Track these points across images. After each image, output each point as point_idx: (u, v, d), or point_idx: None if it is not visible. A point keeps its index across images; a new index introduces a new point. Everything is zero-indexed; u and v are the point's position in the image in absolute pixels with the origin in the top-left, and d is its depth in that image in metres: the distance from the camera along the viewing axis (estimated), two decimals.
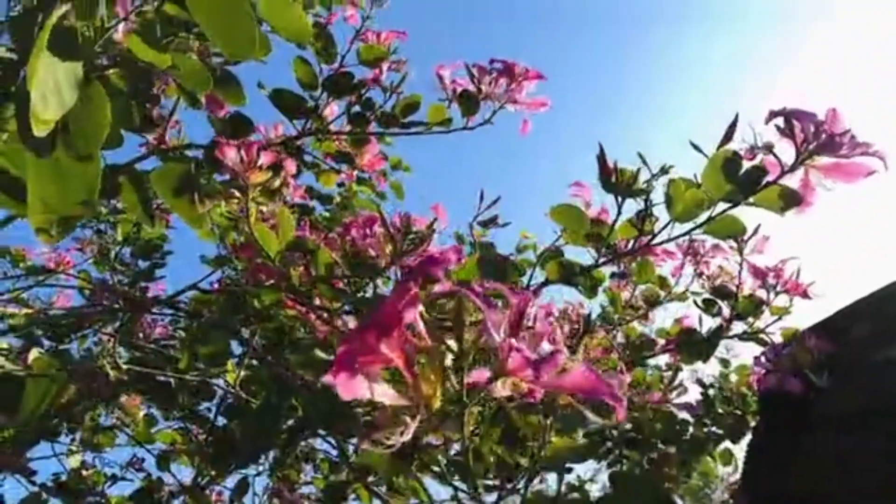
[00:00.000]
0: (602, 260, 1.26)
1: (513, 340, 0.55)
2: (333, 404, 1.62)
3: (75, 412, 1.89)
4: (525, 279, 1.35)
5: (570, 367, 0.56)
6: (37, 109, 0.86)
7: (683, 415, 1.93)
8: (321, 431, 1.76)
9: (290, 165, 1.67)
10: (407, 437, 0.56)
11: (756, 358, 1.70)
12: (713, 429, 1.99)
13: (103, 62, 1.25)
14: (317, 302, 1.32)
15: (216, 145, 1.36)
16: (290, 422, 1.57)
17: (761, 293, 1.51)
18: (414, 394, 0.57)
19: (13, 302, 1.65)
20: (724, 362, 2.12)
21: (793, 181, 1.07)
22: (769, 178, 1.06)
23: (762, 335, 1.54)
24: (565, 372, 0.56)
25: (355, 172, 1.72)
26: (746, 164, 1.08)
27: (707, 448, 1.96)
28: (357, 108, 1.51)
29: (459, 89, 1.53)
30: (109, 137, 1.34)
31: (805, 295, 1.46)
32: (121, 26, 1.19)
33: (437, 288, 0.62)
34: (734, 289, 1.52)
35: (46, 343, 1.76)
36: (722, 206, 1.13)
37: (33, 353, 1.57)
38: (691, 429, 2.00)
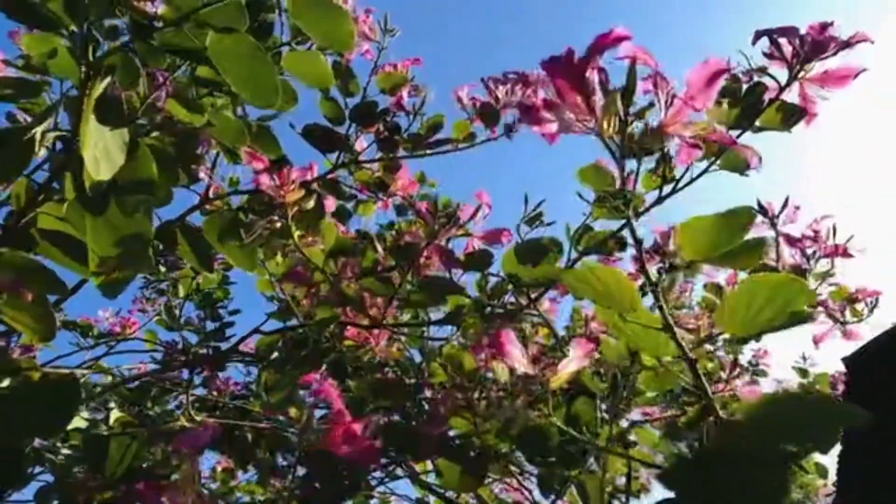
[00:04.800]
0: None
1: None
2: (408, 431, 1.64)
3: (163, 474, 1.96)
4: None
5: None
6: (90, 171, 0.95)
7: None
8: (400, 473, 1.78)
9: (331, 202, 1.75)
10: None
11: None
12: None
13: (147, 126, 1.37)
14: (367, 304, 1.37)
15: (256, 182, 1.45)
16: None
17: (801, 262, 1.46)
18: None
19: (93, 371, 1.75)
20: (803, 372, 2.04)
21: (791, 98, 1.08)
22: (769, 95, 1.08)
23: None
24: None
25: (391, 200, 1.78)
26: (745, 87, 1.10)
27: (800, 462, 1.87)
28: (384, 134, 1.59)
29: (478, 103, 1.60)
30: (160, 195, 1.46)
31: (845, 254, 1.41)
32: (163, 94, 1.32)
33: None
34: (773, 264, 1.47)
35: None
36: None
37: (114, 414, 1.66)
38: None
